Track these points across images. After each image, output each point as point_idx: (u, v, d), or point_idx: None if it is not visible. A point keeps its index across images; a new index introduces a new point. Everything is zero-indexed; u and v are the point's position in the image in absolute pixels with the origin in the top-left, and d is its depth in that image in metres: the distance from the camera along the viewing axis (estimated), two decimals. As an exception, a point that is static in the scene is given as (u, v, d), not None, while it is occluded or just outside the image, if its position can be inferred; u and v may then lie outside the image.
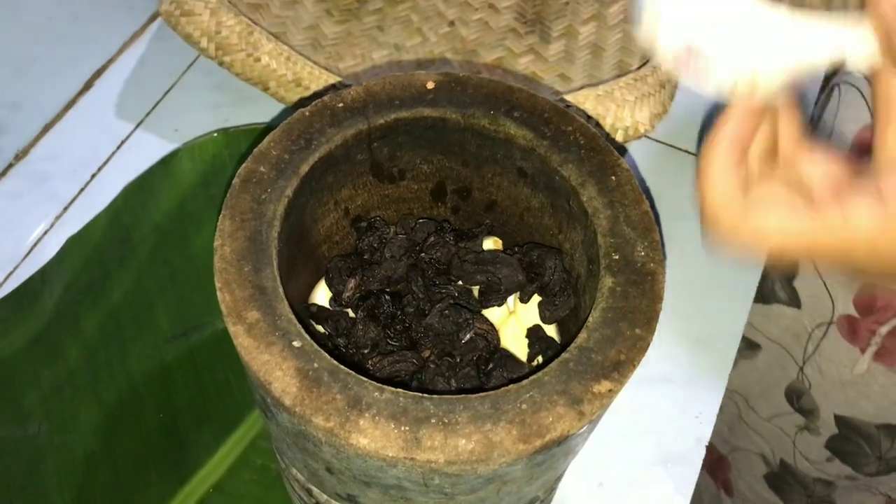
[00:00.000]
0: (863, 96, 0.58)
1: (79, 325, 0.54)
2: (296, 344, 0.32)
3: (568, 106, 0.54)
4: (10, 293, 0.55)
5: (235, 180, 0.36)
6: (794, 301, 0.68)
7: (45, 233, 0.59)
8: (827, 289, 0.64)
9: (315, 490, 0.40)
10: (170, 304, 0.55)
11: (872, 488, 0.73)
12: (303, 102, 0.59)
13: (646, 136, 0.62)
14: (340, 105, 0.38)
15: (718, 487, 0.87)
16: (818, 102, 0.69)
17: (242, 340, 0.32)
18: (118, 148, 0.64)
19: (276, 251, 0.34)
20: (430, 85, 0.39)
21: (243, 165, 0.36)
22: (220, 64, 0.60)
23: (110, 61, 0.68)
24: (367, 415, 0.30)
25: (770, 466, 0.80)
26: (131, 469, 0.50)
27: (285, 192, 0.36)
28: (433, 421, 0.30)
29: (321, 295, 0.44)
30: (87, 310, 0.55)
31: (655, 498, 0.51)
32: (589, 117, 0.55)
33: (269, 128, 0.63)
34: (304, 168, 0.36)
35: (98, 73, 0.67)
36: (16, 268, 0.58)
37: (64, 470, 0.49)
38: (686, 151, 0.66)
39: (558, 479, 0.45)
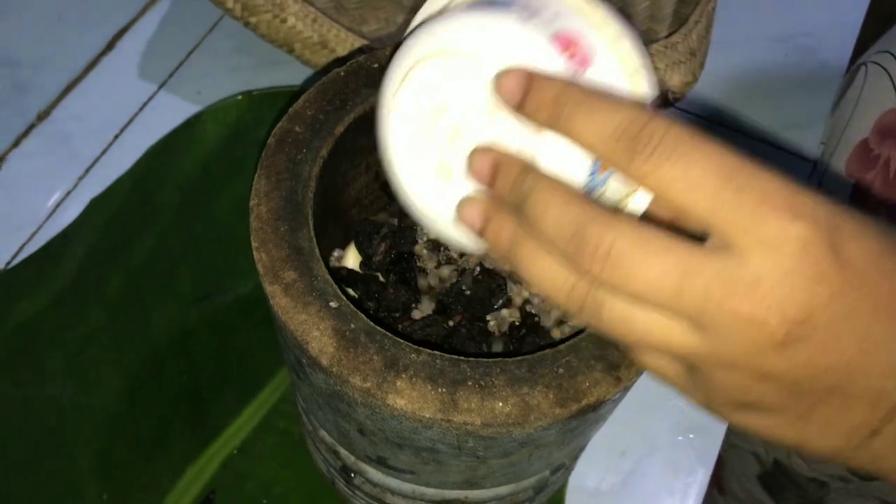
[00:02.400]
0: (890, 78, 0.57)
1: (101, 288, 0.54)
2: (333, 304, 0.32)
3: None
4: (33, 254, 0.55)
5: (271, 140, 0.35)
6: None
7: (68, 194, 0.59)
8: None
9: (343, 452, 0.40)
10: (193, 266, 0.55)
11: (865, 493, 0.73)
12: (329, 67, 0.59)
13: (675, 106, 0.61)
14: (375, 66, 0.38)
15: (712, 486, 0.87)
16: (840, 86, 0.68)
17: (279, 300, 0.31)
18: (141, 109, 0.63)
19: (311, 211, 0.34)
20: (467, 46, 0.39)
21: (278, 125, 0.36)
22: (246, 25, 0.59)
23: (133, 21, 0.67)
24: (404, 376, 0.30)
25: (763, 465, 0.79)
26: (154, 430, 0.50)
27: (321, 153, 0.35)
28: (470, 383, 0.30)
29: (350, 259, 0.44)
30: (109, 272, 0.55)
31: (677, 468, 0.51)
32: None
33: (296, 92, 0.62)
34: (340, 129, 0.36)
35: (120, 34, 0.66)
36: (38, 229, 0.58)
37: (87, 430, 0.49)
38: (715, 122, 0.65)
39: (583, 447, 0.45)
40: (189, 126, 0.60)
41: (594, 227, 0.25)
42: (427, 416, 0.30)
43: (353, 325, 0.31)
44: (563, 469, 0.43)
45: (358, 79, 0.38)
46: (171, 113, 0.62)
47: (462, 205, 0.30)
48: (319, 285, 0.32)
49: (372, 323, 0.31)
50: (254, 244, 0.33)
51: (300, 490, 0.49)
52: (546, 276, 0.27)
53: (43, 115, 0.62)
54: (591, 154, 0.26)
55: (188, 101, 0.63)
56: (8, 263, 0.56)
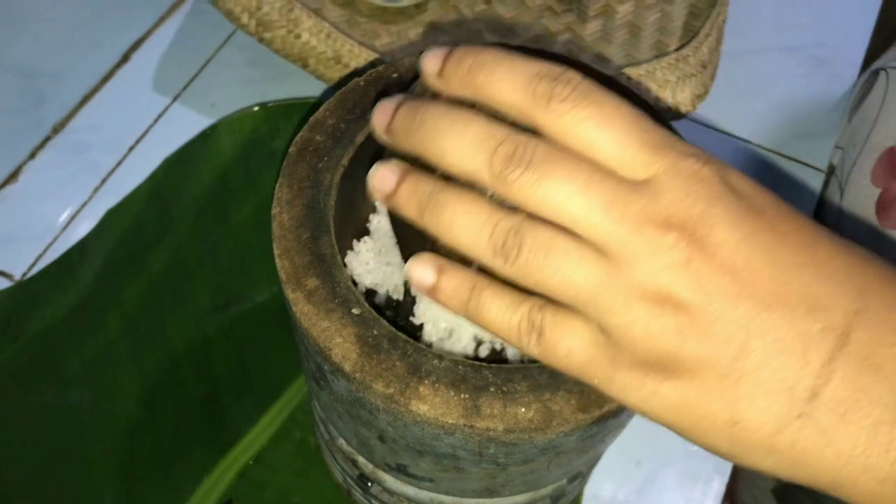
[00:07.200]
0: None
1: (119, 297, 0.54)
2: (355, 311, 0.32)
3: (628, 79, 0.53)
4: (50, 265, 0.56)
5: (292, 149, 0.36)
6: None
7: (84, 205, 0.60)
8: None
9: (361, 460, 0.40)
10: (210, 276, 0.55)
11: None
12: (343, 81, 0.59)
13: (686, 118, 0.61)
14: (395, 75, 0.38)
15: (725, 498, 0.86)
16: (855, 90, 0.67)
17: (302, 307, 0.32)
18: (155, 121, 0.64)
19: (333, 219, 0.34)
20: (485, 57, 0.39)
21: (300, 134, 0.36)
22: (261, 40, 0.59)
23: (148, 34, 0.68)
24: (426, 382, 0.30)
25: (778, 478, 0.77)
26: (173, 438, 0.50)
27: (341, 162, 0.36)
28: (492, 389, 0.31)
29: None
30: (127, 281, 0.55)
31: (693, 478, 0.51)
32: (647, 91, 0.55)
33: (312, 104, 0.63)
34: (360, 137, 0.36)
35: (135, 46, 0.67)
36: (55, 240, 0.58)
37: (106, 438, 0.50)
38: (726, 133, 0.65)
39: (601, 455, 0.45)
40: (205, 137, 0.60)
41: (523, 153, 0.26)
42: (450, 421, 0.30)
43: (375, 332, 0.31)
44: (580, 478, 0.43)
45: (377, 88, 0.38)
46: (185, 125, 0.62)
47: (413, 262, 0.30)
48: (342, 292, 0.32)
49: (394, 329, 0.32)
50: (276, 251, 0.33)
51: (316, 500, 0.49)
52: (500, 310, 0.28)
53: (59, 127, 0.63)
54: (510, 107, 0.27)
55: (202, 114, 0.64)
56: (24, 274, 0.56)
